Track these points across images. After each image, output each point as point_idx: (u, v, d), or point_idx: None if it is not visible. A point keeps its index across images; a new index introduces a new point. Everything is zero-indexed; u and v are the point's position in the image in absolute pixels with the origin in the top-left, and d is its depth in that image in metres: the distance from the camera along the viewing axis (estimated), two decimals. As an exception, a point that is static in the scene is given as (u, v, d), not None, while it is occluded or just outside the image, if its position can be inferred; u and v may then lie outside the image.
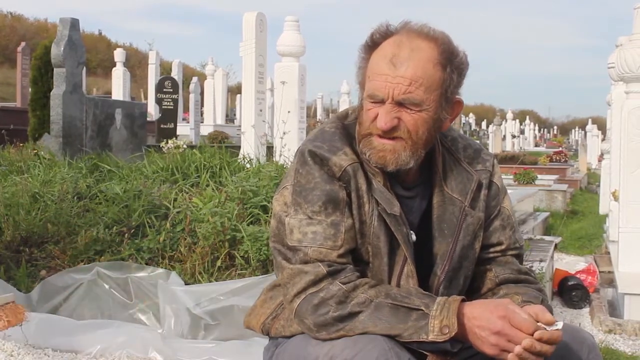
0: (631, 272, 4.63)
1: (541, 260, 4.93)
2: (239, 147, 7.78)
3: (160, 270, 3.61)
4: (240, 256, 3.67)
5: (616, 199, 5.51)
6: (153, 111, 15.18)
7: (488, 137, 25.19)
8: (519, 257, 1.77)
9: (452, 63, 1.58)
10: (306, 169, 1.60)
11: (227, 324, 3.30)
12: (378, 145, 1.58)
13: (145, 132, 8.91)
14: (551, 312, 1.54)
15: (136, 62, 37.25)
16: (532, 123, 43.73)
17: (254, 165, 5.45)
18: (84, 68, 7.72)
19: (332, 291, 1.52)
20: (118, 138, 7.79)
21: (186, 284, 3.55)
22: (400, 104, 1.56)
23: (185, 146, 7.61)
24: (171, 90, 14.75)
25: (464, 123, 32.69)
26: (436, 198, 1.67)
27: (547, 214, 9.41)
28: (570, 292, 5.05)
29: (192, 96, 17.98)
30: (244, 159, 5.96)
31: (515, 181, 11.78)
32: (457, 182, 1.68)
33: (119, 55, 19.76)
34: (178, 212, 3.99)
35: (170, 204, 4.11)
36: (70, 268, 3.67)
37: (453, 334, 1.45)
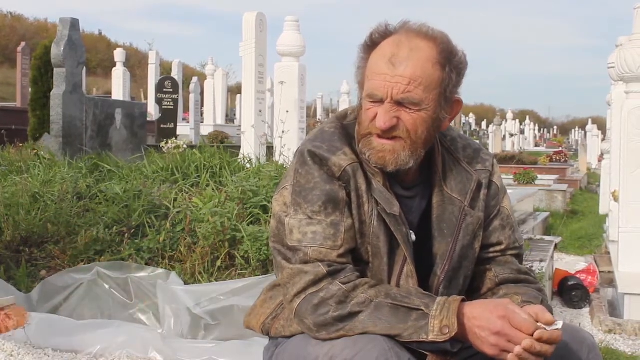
0: (631, 272, 4.63)
1: (541, 260, 4.93)
2: (239, 147, 7.79)
3: (160, 271, 3.61)
4: (240, 256, 3.67)
5: (616, 199, 5.51)
6: (153, 111, 15.19)
7: (488, 137, 25.20)
8: (519, 257, 1.77)
9: (451, 62, 1.58)
10: (306, 169, 1.60)
11: (227, 324, 3.30)
12: (377, 146, 1.58)
13: (145, 132, 8.92)
14: (551, 312, 1.54)
15: (136, 62, 37.26)
16: (532, 123, 43.74)
17: (254, 165, 5.45)
18: (84, 68, 7.72)
19: (332, 291, 1.52)
20: (118, 138, 7.79)
21: (186, 284, 3.55)
22: (399, 103, 1.56)
23: (185, 146, 7.63)
24: (171, 90, 14.76)
25: (464, 123, 32.68)
26: (436, 198, 1.68)
27: (547, 214, 9.40)
28: (570, 292, 5.05)
29: (192, 96, 17.99)
30: (244, 159, 5.96)
31: (515, 181, 11.79)
32: (456, 182, 1.69)
33: (119, 55, 19.77)
34: (178, 212, 3.99)
35: (170, 204, 4.12)
36: (70, 268, 3.67)
37: (453, 334, 1.45)
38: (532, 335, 1.43)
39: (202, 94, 19.88)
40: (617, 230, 5.02)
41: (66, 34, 6.84)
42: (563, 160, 17.46)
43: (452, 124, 1.74)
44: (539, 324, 1.45)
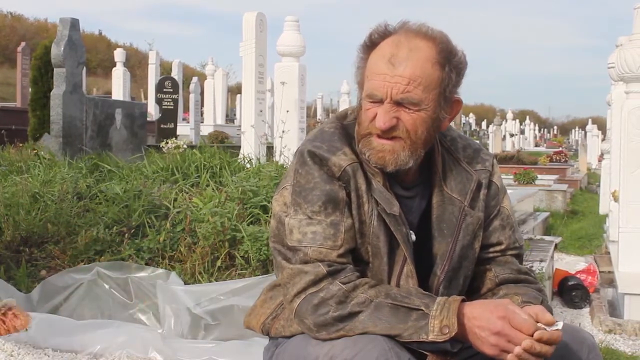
0: (631, 272, 4.63)
1: (541, 260, 4.93)
2: (239, 147, 7.79)
3: (160, 271, 3.61)
4: (240, 256, 3.67)
5: (616, 199, 5.51)
6: (153, 111, 15.19)
7: (488, 137, 25.20)
8: (519, 257, 1.77)
9: (450, 62, 1.58)
10: (305, 169, 1.60)
11: (227, 324, 3.30)
12: (377, 146, 1.58)
13: (145, 132, 8.92)
14: (551, 312, 1.54)
15: (136, 62, 37.27)
16: (532, 123, 43.74)
17: (254, 165, 5.45)
18: (84, 68, 7.73)
19: (332, 291, 1.52)
20: (118, 138, 7.79)
21: (186, 284, 3.55)
22: (398, 103, 1.56)
23: (185, 146, 7.62)
24: (171, 90, 14.76)
25: (464, 123, 32.69)
26: (436, 198, 1.68)
27: (547, 214, 9.40)
28: (570, 292, 5.05)
29: (192, 96, 17.98)
30: (244, 159, 5.96)
31: (515, 181, 11.79)
32: (456, 182, 1.69)
33: (119, 55, 19.77)
34: (178, 212, 3.99)
35: (170, 204, 4.12)
36: (70, 268, 3.67)
37: (453, 334, 1.45)
38: (532, 336, 1.43)
39: (202, 94, 19.88)
40: (617, 230, 5.02)
41: (66, 34, 6.84)
42: (563, 160, 17.46)
43: (452, 124, 1.74)
44: (539, 324, 1.45)
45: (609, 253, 6.23)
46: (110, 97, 17.12)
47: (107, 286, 3.56)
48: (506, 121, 34.71)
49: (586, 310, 4.91)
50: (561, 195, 11.33)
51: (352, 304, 1.51)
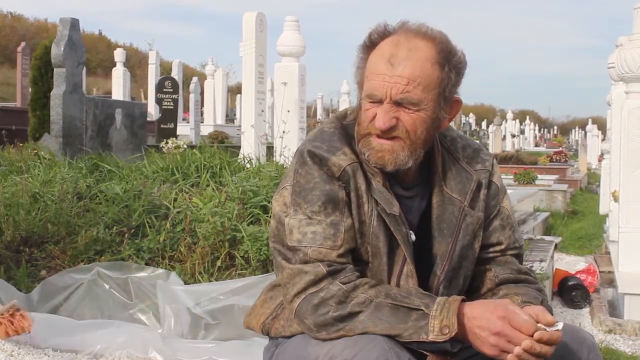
0: (631, 272, 4.63)
1: (541, 260, 4.93)
2: (239, 147, 7.79)
3: (160, 271, 3.60)
4: (241, 256, 3.67)
5: (616, 199, 5.51)
6: (153, 111, 15.19)
7: (488, 137, 25.20)
8: (519, 257, 1.77)
9: (450, 62, 1.58)
10: (305, 169, 1.60)
11: (227, 324, 3.30)
12: (377, 146, 1.58)
13: (145, 132, 8.92)
14: (551, 312, 1.54)
15: (136, 62, 37.27)
16: (532, 123, 43.74)
17: (254, 165, 5.45)
18: (84, 68, 7.73)
19: (332, 291, 1.52)
20: (118, 138, 7.79)
21: (186, 284, 3.55)
22: (398, 103, 1.56)
23: (185, 146, 7.63)
24: (171, 90, 14.76)
25: (464, 123, 32.69)
26: (435, 198, 1.68)
27: (547, 214, 9.41)
28: (570, 292, 5.05)
29: (192, 96, 17.99)
30: (244, 159, 5.96)
31: (515, 181, 11.79)
32: (456, 182, 1.69)
33: (119, 55, 19.77)
34: (178, 212, 3.99)
35: (170, 204, 4.12)
36: (70, 268, 3.67)
37: (453, 334, 1.45)
38: (532, 336, 1.43)
39: (202, 94, 19.89)
40: (617, 230, 5.02)
41: (66, 34, 6.84)
42: (563, 160, 17.46)
43: (452, 124, 1.74)
44: (539, 324, 1.45)
45: (609, 253, 6.23)
46: (110, 97, 17.12)
47: (107, 286, 3.55)
48: (506, 121, 34.69)
49: (586, 310, 4.91)
50: (561, 195, 11.33)
51: (352, 304, 1.51)
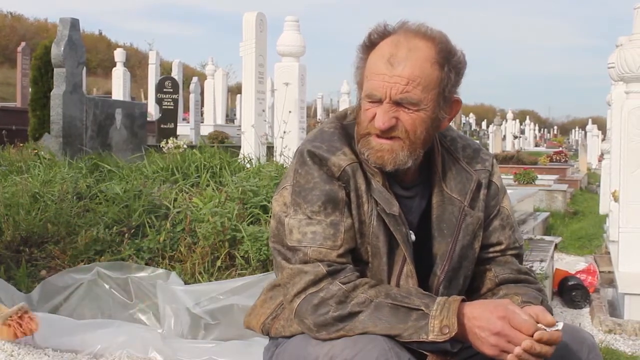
0: (631, 272, 4.63)
1: (541, 260, 4.93)
2: (239, 147, 7.79)
3: (160, 271, 3.60)
4: (241, 256, 3.67)
5: (616, 199, 5.51)
6: (153, 111, 15.19)
7: (488, 137, 25.19)
8: (519, 257, 1.77)
9: (449, 62, 1.58)
10: (305, 169, 1.60)
11: (227, 324, 3.30)
12: (376, 145, 1.58)
13: (145, 132, 8.92)
14: (551, 312, 1.54)
15: (136, 62, 37.27)
16: (532, 123, 43.73)
17: (254, 165, 5.45)
18: (84, 68, 7.73)
19: (332, 291, 1.52)
20: (118, 138, 7.79)
21: (186, 284, 3.55)
22: (398, 103, 1.56)
23: (185, 146, 7.62)
24: (171, 90, 14.76)
25: (464, 123, 32.69)
26: (435, 198, 1.68)
27: (547, 214, 9.41)
28: (570, 292, 5.05)
29: (192, 96, 17.99)
30: (244, 159, 5.96)
31: (515, 181, 11.79)
32: (456, 182, 1.69)
33: (119, 55, 19.77)
34: (178, 212, 3.99)
35: (170, 204, 4.12)
36: (71, 268, 3.67)
37: (453, 334, 1.45)
38: (532, 336, 1.43)
39: (202, 94, 19.88)
40: (617, 230, 5.02)
41: (66, 34, 6.84)
42: (563, 160, 17.46)
43: (451, 124, 1.74)
44: (539, 324, 1.45)
45: (609, 253, 6.23)
46: (110, 97, 17.12)
47: (107, 286, 3.55)
48: (506, 121, 34.68)
49: (586, 310, 4.91)
50: (561, 195, 11.33)
51: (352, 304, 1.51)
